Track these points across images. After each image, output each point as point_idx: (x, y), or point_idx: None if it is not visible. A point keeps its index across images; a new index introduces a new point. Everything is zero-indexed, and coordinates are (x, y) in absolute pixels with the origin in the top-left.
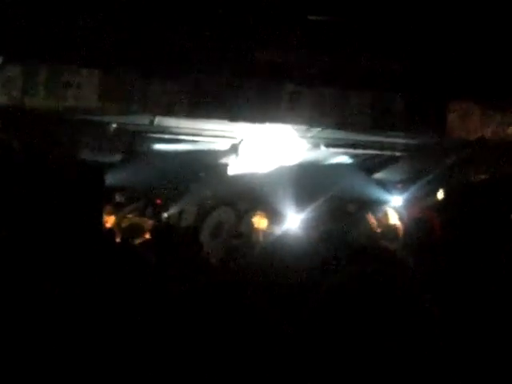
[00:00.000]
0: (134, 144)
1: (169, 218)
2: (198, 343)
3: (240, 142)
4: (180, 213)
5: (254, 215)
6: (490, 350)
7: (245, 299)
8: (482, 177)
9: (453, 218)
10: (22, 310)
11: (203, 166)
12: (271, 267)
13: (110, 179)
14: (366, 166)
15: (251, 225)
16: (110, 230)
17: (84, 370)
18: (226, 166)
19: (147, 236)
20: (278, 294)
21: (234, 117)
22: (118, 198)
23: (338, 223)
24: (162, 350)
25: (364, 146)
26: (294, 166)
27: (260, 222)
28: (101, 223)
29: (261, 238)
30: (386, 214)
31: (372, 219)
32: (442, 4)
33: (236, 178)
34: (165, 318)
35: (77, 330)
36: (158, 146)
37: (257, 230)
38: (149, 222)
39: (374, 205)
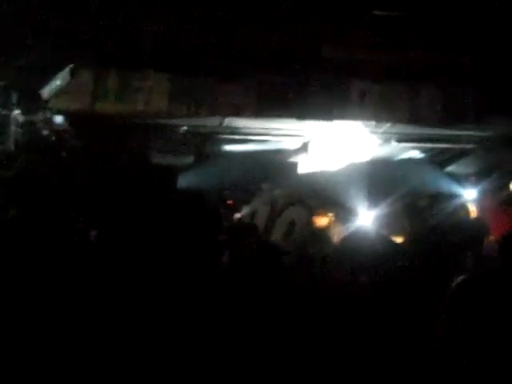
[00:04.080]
0: (204, 146)
1: (241, 218)
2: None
3: (309, 140)
4: (252, 213)
5: (327, 213)
6: None
7: (322, 297)
8: None
9: None
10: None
11: (273, 165)
12: (347, 263)
13: (182, 182)
14: (438, 160)
15: (324, 222)
16: None
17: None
18: (296, 164)
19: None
20: (355, 289)
21: (301, 115)
22: None
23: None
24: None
25: (435, 139)
26: (364, 162)
27: (332, 219)
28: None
29: (334, 236)
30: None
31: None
32: None
33: (307, 176)
34: (237, 315)
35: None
36: (228, 147)
37: (329, 228)
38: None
39: (448, 199)
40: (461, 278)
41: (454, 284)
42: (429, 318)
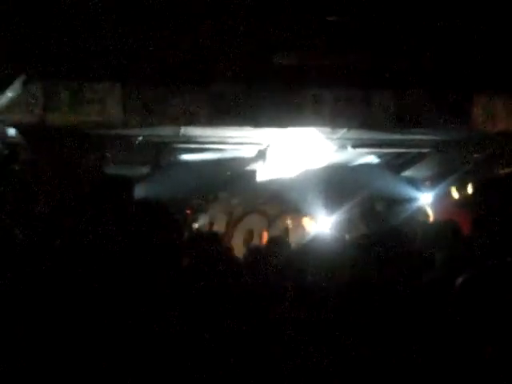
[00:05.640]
0: (160, 156)
1: (199, 227)
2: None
3: (267, 148)
4: (210, 222)
5: (285, 220)
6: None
7: (277, 301)
8: (510, 169)
9: (481, 212)
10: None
11: (231, 174)
12: (304, 269)
13: (139, 192)
14: (394, 165)
15: (282, 229)
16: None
17: None
18: (254, 172)
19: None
20: (310, 293)
21: (256, 123)
22: None
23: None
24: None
25: (391, 144)
26: (321, 168)
27: (290, 226)
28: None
29: (293, 242)
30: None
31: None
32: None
33: (264, 183)
34: (193, 319)
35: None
36: (185, 157)
37: (288, 234)
38: None
39: (404, 203)
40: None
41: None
42: (400, 317)
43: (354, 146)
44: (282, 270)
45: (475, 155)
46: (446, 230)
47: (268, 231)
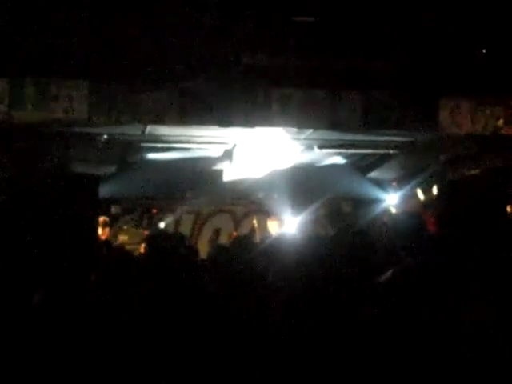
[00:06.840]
0: (126, 154)
1: (165, 227)
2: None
3: (233, 148)
4: (177, 221)
5: (251, 220)
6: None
7: (242, 300)
8: (474, 171)
9: (446, 212)
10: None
11: (198, 173)
12: (269, 268)
13: (105, 191)
14: (361, 166)
15: (249, 229)
16: (106, 241)
17: None
18: (220, 172)
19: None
20: (277, 293)
21: (224, 122)
22: (113, 209)
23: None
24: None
25: (357, 145)
26: (288, 168)
27: (257, 226)
28: (95, 235)
29: (258, 242)
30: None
31: None
32: (429, 3)
33: (231, 183)
34: (160, 322)
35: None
36: (152, 156)
37: (254, 234)
38: (145, 233)
39: (370, 203)
40: (389, 272)
41: (383, 278)
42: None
43: (321, 147)
44: (246, 268)
45: (441, 157)
46: (411, 220)
47: (235, 231)
